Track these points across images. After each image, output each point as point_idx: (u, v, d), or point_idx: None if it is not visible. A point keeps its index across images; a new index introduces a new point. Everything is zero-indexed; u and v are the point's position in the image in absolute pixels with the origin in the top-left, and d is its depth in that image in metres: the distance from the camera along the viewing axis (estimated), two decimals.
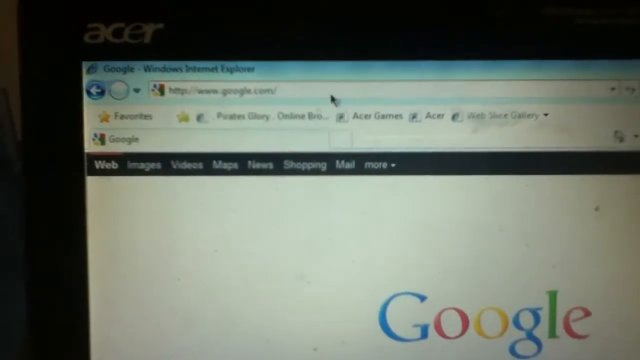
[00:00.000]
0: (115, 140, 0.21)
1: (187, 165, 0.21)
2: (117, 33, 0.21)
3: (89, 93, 0.21)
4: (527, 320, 0.22)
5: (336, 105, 0.21)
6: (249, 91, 0.21)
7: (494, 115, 0.21)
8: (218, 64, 0.21)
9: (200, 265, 0.22)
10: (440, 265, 0.22)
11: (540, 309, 0.22)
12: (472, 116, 0.21)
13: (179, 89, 0.21)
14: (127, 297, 0.22)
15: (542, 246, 0.22)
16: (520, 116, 0.21)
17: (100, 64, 0.21)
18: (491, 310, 0.22)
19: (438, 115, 0.21)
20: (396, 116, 0.21)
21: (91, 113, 0.21)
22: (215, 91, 0.21)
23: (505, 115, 0.21)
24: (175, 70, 0.21)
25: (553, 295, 0.22)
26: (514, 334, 0.22)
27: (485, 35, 0.21)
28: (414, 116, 0.21)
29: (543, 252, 0.22)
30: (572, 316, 0.22)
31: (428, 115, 0.21)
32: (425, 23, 0.21)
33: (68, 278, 0.22)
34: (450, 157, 0.21)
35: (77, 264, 0.21)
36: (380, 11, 0.21)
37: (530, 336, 0.22)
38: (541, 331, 0.22)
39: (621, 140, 0.22)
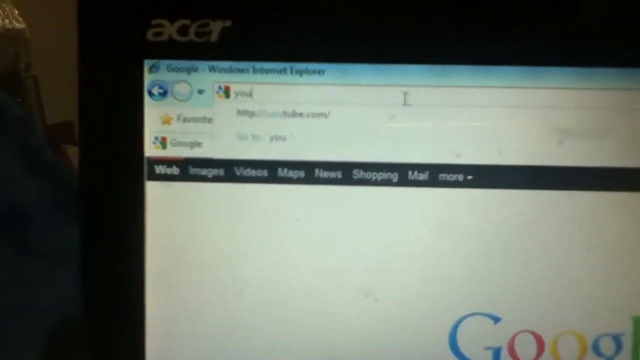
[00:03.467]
0: (177, 144, 0.20)
1: (251, 172, 0.20)
2: (183, 30, 0.19)
3: (150, 93, 0.20)
4: (607, 346, 0.21)
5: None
6: (318, 95, 0.20)
7: (582, 127, 0.20)
8: (287, 65, 0.20)
9: (262, 277, 0.21)
10: (517, 286, 0.20)
11: (622, 335, 0.21)
12: (558, 128, 0.20)
13: (245, 92, 0.20)
14: (186, 308, 0.21)
15: (629, 269, 0.20)
16: (612, 129, 0.20)
17: (164, 63, 0.20)
18: (569, 335, 0.21)
19: (523, 126, 0.20)
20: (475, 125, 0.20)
21: (152, 115, 0.20)
22: (282, 94, 0.20)
23: (596, 128, 0.20)
24: (241, 71, 0.20)
25: (638, 321, 0.20)
26: None
27: (581, 40, 0.20)
28: (496, 126, 0.20)
29: (631, 275, 0.20)
30: None
31: (513, 126, 0.20)
32: (513, 25, 0.20)
33: (125, 286, 0.21)
34: (533, 171, 0.20)
35: (135, 272, 0.20)
36: (463, 11, 0.20)
37: None
38: (623, 359, 0.21)
39: None
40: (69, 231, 0.27)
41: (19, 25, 0.86)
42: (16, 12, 0.86)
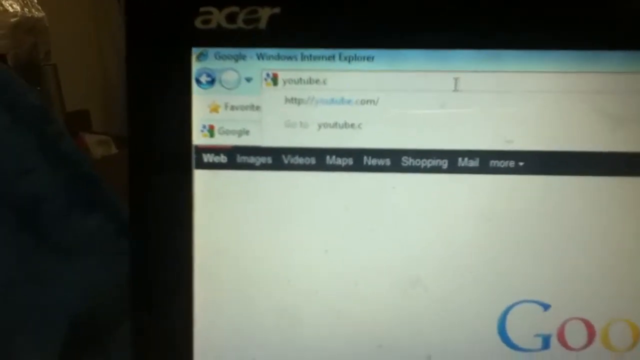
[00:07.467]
0: (225, 132, 0.20)
1: (299, 160, 0.20)
2: (231, 18, 0.19)
3: (198, 82, 0.20)
4: None
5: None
6: (367, 82, 0.20)
7: (636, 112, 0.20)
8: (336, 52, 0.20)
9: (309, 265, 0.21)
10: (567, 272, 0.20)
11: None
12: (611, 113, 0.20)
13: (293, 79, 0.20)
14: (233, 296, 0.21)
15: None
16: None
17: (211, 51, 0.20)
18: (620, 322, 0.21)
19: (575, 111, 0.20)
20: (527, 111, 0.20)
21: (200, 103, 0.20)
22: (330, 81, 0.20)
23: None
24: (289, 58, 0.20)
25: None
26: None
27: (633, 23, 0.19)
28: (548, 112, 0.20)
29: None
30: None
31: (565, 111, 0.20)
32: (564, 9, 0.19)
33: (172, 275, 0.21)
34: (586, 157, 0.20)
35: (182, 261, 0.21)
36: None
37: None
38: None
39: None
40: (83, 223, 0.27)
41: (38, 13, 0.86)
42: (35, 1, 0.86)
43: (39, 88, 0.85)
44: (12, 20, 0.77)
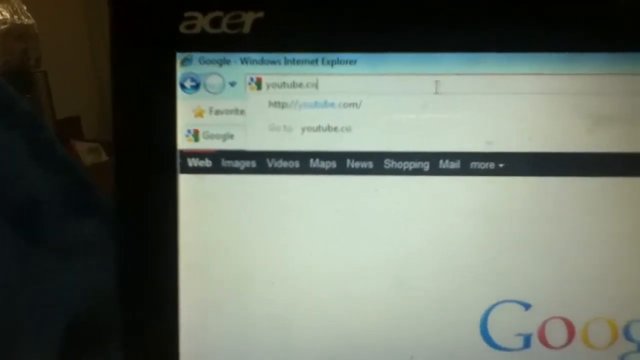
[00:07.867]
0: (210, 137, 0.20)
1: (283, 163, 0.20)
2: (215, 23, 0.19)
3: (183, 87, 0.20)
4: (638, 331, 0.21)
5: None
6: (350, 85, 0.20)
7: (613, 113, 0.20)
8: (319, 56, 0.20)
9: (295, 268, 0.21)
10: (547, 272, 0.21)
11: None
12: (589, 114, 0.20)
13: (276, 83, 0.20)
14: (219, 299, 0.21)
15: None
16: None
17: (196, 56, 0.20)
18: (600, 321, 0.21)
19: (553, 113, 0.20)
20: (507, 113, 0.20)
21: (185, 108, 0.20)
22: (314, 85, 0.20)
23: (627, 113, 0.20)
24: (273, 62, 0.20)
25: None
26: (624, 346, 0.21)
27: (611, 25, 0.20)
28: (527, 114, 0.20)
29: None
30: None
31: (544, 113, 0.20)
32: (544, 11, 0.20)
33: (158, 280, 0.21)
34: (564, 158, 0.20)
35: (168, 265, 0.21)
36: None
37: None
38: None
39: None
40: (80, 226, 0.28)
41: (28, 20, 0.86)
42: (24, 8, 0.86)
43: (29, 95, 0.85)
44: (2, 27, 0.77)
